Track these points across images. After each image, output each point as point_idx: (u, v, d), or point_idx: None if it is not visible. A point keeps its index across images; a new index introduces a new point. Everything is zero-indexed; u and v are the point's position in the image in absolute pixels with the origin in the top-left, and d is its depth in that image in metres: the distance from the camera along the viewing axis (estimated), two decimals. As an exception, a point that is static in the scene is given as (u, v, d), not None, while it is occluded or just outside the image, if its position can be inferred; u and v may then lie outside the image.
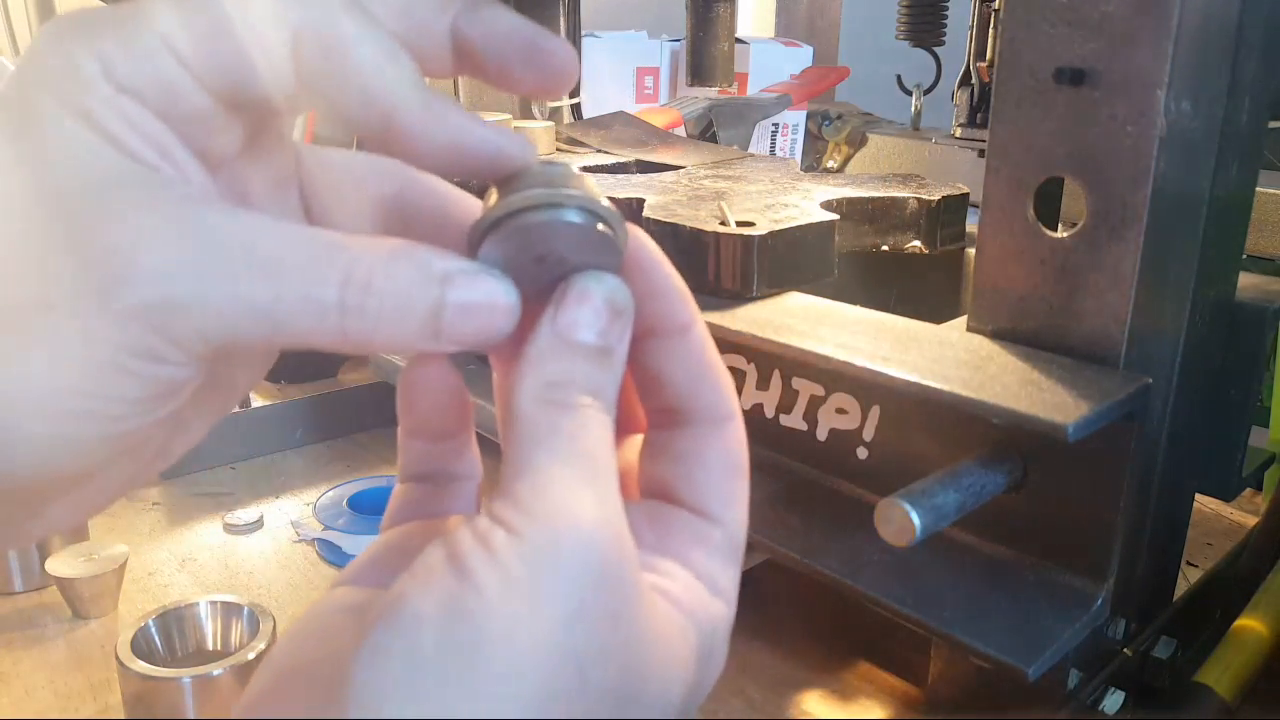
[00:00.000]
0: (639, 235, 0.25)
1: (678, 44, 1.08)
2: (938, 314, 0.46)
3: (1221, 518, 0.59)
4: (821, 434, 0.46)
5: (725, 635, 0.25)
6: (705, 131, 0.93)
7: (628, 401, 0.28)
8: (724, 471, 0.26)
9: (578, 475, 0.21)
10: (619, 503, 0.22)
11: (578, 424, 0.22)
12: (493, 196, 0.23)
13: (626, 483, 0.27)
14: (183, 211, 0.20)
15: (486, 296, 0.22)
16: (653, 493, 0.26)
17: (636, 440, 0.28)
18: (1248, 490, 0.57)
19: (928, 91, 1.00)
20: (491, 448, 0.29)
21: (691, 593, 0.24)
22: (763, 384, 0.47)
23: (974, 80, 0.87)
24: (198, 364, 0.21)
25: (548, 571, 0.20)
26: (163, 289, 0.19)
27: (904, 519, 0.34)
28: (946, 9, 0.97)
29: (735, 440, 0.26)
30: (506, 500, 0.21)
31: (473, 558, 0.20)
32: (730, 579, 0.25)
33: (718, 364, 0.26)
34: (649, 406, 0.27)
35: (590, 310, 0.23)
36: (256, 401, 0.74)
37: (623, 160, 0.72)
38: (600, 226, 0.23)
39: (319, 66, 0.21)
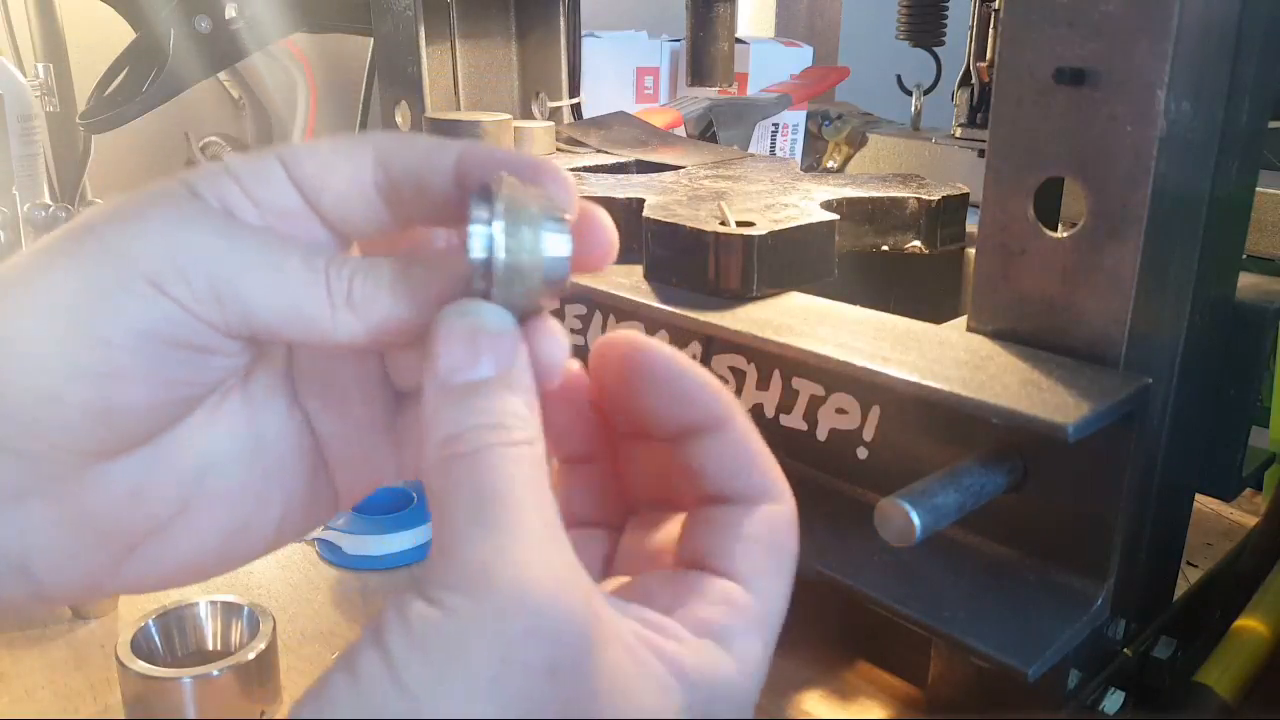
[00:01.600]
0: (657, 346, 0.24)
1: (678, 44, 1.08)
2: (938, 314, 0.46)
3: (1221, 518, 0.59)
4: (821, 434, 0.46)
5: (740, 703, 0.23)
6: (705, 131, 0.93)
7: (667, 483, 0.27)
8: (764, 545, 0.25)
9: (490, 524, 0.20)
10: (551, 536, 0.21)
11: (483, 467, 0.21)
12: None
13: (661, 559, 0.26)
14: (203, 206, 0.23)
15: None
16: (687, 562, 0.25)
17: (678, 519, 0.27)
18: (1248, 490, 0.57)
19: (928, 91, 1.00)
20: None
21: (692, 651, 0.23)
22: (763, 384, 0.47)
23: (974, 80, 0.87)
24: (218, 337, 0.23)
25: (465, 635, 0.19)
26: (184, 233, 0.22)
27: (904, 519, 0.34)
28: (946, 9, 0.97)
29: (783, 521, 0.25)
30: (425, 568, 0.21)
31: (389, 632, 0.20)
32: (752, 648, 0.24)
33: (763, 453, 0.25)
34: (692, 495, 0.26)
35: (461, 346, 0.22)
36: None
37: (623, 160, 0.72)
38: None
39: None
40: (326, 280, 0.23)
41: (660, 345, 0.25)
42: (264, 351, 0.26)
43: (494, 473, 0.21)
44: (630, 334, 0.25)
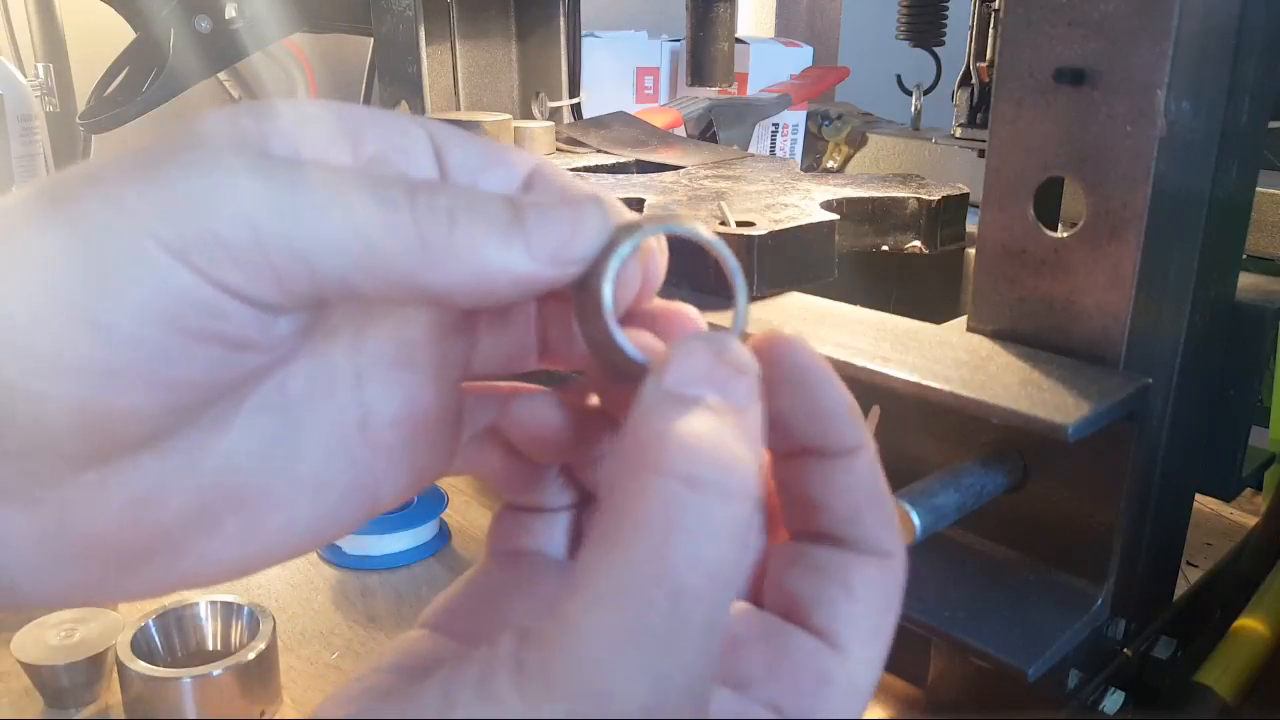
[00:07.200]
0: (801, 345, 0.22)
1: (678, 44, 1.08)
2: (938, 314, 0.46)
3: (1221, 518, 0.59)
4: (821, 434, 0.46)
5: None
6: (705, 131, 0.93)
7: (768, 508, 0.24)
8: (869, 604, 0.21)
9: (644, 613, 0.16)
10: (697, 659, 0.17)
11: (664, 508, 0.17)
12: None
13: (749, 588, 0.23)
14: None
15: (573, 205, 0.20)
16: (776, 605, 0.22)
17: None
18: (1248, 490, 0.57)
19: (928, 91, 1.00)
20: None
21: None
22: (763, 384, 0.47)
23: (974, 80, 0.87)
24: (257, 317, 0.18)
25: (504, 708, 0.16)
26: (212, 177, 0.17)
27: (904, 519, 0.34)
28: (946, 9, 0.97)
29: (894, 581, 0.22)
30: (547, 624, 0.17)
31: (465, 692, 0.17)
32: None
33: (886, 495, 0.22)
34: (795, 528, 0.23)
35: (702, 361, 0.19)
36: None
37: (623, 160, 0.72)
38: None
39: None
40: (414, 215, 0.18)
41: (806, 344, 0.22)
42: (314, 333, 0.22)
43: (671, 527, 0.17)
44: (788, 332, 0.22)
